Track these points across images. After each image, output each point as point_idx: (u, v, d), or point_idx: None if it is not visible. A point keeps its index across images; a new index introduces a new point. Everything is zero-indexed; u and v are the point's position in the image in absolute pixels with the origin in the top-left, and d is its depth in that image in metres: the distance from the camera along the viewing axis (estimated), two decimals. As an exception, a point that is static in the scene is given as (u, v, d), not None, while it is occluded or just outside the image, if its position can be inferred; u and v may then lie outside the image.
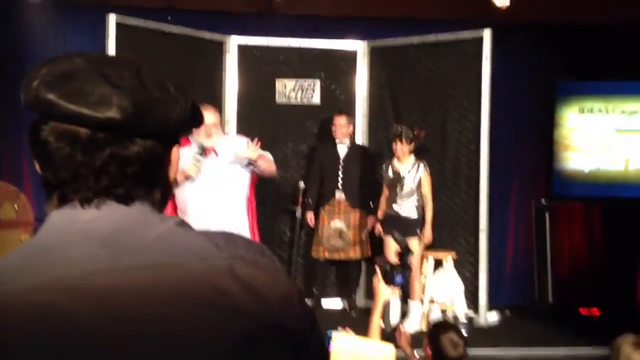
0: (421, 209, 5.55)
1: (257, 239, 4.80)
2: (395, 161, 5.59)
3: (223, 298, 0.81)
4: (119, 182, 0.86)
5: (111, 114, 0.82)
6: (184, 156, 4.28)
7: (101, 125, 0.83)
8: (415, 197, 5.53)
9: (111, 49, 5.30)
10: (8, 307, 0.77)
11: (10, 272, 0.81)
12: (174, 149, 0.93)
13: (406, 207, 5.55)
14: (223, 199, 4.44)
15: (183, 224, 0.88)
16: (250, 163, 4.44)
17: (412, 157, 5.55)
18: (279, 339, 0.84)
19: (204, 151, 4.33)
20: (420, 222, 5.53)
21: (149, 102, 0.86)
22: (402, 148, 5.49)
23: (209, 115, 4.37)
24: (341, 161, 6.03)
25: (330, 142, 6.09)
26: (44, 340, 0.76)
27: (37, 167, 0.89)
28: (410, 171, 5.53)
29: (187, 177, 4.31)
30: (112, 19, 5.34)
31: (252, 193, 4.80)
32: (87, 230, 0.83)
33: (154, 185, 0.90)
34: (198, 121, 0.95)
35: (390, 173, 5.62)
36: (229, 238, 0.88)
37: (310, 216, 6.04)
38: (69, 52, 0.88)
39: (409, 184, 5.52)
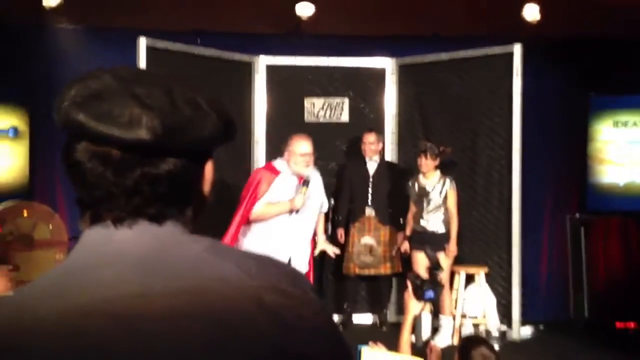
0: (448, 223, 5.53)
1: (311, 268, 4.83)
2: (420, 177, 5.60)
3: (246, 326, 0.80)
4: (151, 202, 0.86)
5: (141, 134, 0.82)
6: (279, 187, 4.43)
7: (131, 146, 0.83)
8: (441, 212, 5.53)
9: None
10: (38, 330, 0.77)
11: (42, 294, 0.81)
12: (208, 165, 0.93)
13: (433, 222, 5.55)
14: (304, 229, 4.57)
15: (215, 246, 0.87)
16: None
17: (437, 173, 5.57)
18: None
19: (308, 183, 4.39)
20: (447, 236, 5.50)
21: (180, 121, 0.85)
22: (426, 163, 5.52)
23: (308, 145, 4.49)
24: (371, 178, 6.02)
25: (359, 159, 6.10)
26: None
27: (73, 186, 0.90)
28: (435, 186, 5.53)
29: (292, 210, 4.38)
30: (142, 42, 5.44)
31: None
32: (119, 253, 0.83)
33: (187, 203, 0.90)
34: (231, 135, 0.93)
35: (416, 189, 5.63)
36: (262, 265, 0.86)
37: (340, 232, 6.03)
38: (99, 69, 0.88)
39: (435, 199, 5.52)
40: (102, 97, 0.84)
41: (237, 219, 4.51)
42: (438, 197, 5.52)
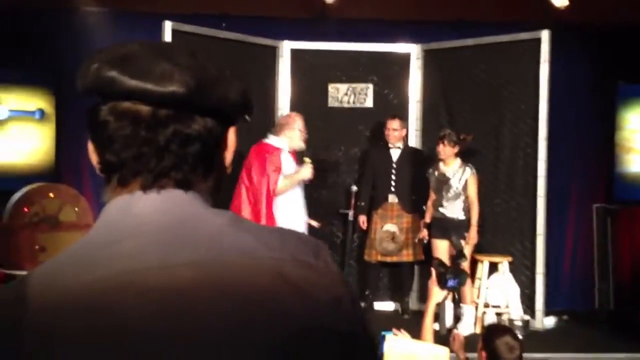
0: (468, 211, 5.50)
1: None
2: (441, 164, 5.58)
3: (268, 298, 0.79)
4: (180, 164, 0.86)
5: (175, 87, 0.83)
6: (287, 160, 4.99)
7: (165, 100, 0.83)
8: (461, 200, 5.50)
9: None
10: (60, 304, 0.77)
11: (64, 269, 0.81)
12: (231, 133, 0.93)
13: (452, 209, 5.53)
14: (302, 202, 5.10)
15: (237, 220, 0.87)
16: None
17: (457, 160, 5.53)
18: (324, 341, 0.81)
19: (308, 156, 5.00)
20: (467, 224, 5.48)
21: (209, 78, 0.86)
22: (444, 150, 5.50)
23: (303, 121, 5.14)
24: (394, 164, 6.00)
25: (383, 145, 6.07)
26: (92, 338, 0.76)
27: (94, 153, 0.88)
28: (455, 174, 5.50)
29: (305, 181, 5.03)
30: (167, 26, 5.45)
31: None
32: (141, 225, 0.83)
33: (211, 169, 0.90)
34: (251, 108, 0.95)
35: (436, 175, 5.60)
36: (283, 237, 0.86)
37: (362, 219, 6.03)
38: (87, 51, 0.90)
39: (454, 187, 5.49)
40: (132, 58, 0.85)
41: (262, 198, 4.87)
42: (458, 185, 5.49)
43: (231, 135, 0.93)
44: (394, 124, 5.94)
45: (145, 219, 0.84)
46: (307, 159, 4.87)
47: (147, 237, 0.82)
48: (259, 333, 0.78)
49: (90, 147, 0.89)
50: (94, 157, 0.89)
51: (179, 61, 0.85)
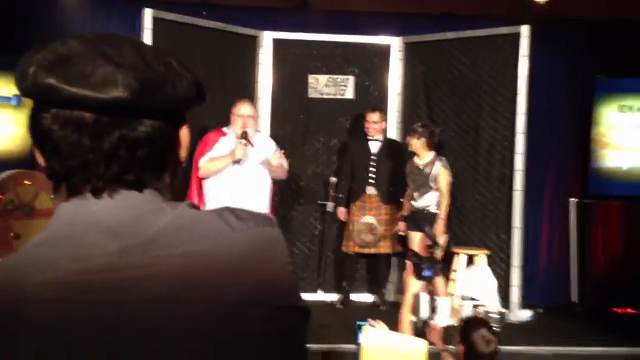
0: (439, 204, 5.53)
1: None
2: (415, 157, 5.60)
3: (235, 279, 0.81)
4: (130, 167, 0.83)
5: (117, 93, 0.79)
6: (224, 144, 4.86)
7: (107, 107, 0.79)
8: (433, 192, 5.51)
9: (147, 43, 5.35)
10: (19, 302, 0.76)
11: (21, 267, 0.79)
12: (184, 130, 0.90)
13: (425, 202, 5.54)
14: (251, 188, 4.82)
15: (192, 206, 0.86)
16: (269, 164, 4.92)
17: (431, 153, 5.53)
18: (288, 317, 0.84)
19: (246, 135, 4.78)
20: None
21: (155, 78, 0.82)
22: (411, 143, 5.52)
23: (246, 108, 4.98)
24: (373, 157, 6.00)
25: (362, 137, 6.07)
26: (52, 333, 0.76)
27: (40, 158, 0.85)
28: (427, 166, 5.51)
29: (235, 161, 4.75)
30: (147, 13, 5.39)
31: (275, 188, 5.19)
32: (98, 222, 0.81)
33: (165, 168, 0.87)
34: (203, 97, 0.91)
35: (410, 168, 5.62)
36: (236, 213, 0.86)
37: (341, 211, 6.03)
38: (63, 37, 0.84)
39: (426, 179, 5.51)
40: (71, 60, 0.80)
41: (192, 184, 4.95)
42: (429, 177, 5.51)
43: (184, 132, 0.90)
44: (374, 117, 5.94)
45: (101, 216, 0.82)
46: (243, 140, 4.75)
47: (105, 233, 0.81)
48: (224, 318, 0.79)
49: (35, 150, 0.86)
50: (40, 161, 0.86)
51: (122, 60, 0.81)
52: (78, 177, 0.83)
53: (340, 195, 6.05)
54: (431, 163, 5.52)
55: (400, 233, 5.80)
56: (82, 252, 0.79)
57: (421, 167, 5.56)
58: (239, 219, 0.85)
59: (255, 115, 5.07)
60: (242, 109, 4.95)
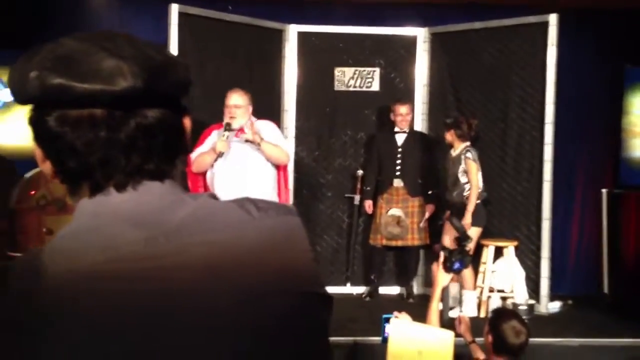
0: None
1: None
2: (451, 149, 5.62)
3: (254, 273, 0.82)
4: (149, 156, 0.84)
5: (127, 83, 0.79)
6: (212, 137, 4.68)
7: (119, 99, 0.80)
8: (463, 184, 5.51)
9: (174, 39, 5.40)
10: (46, 291, 0.78)
11: (47, 258, 0.80)
12: (187, 119, 0.91)
13: (455, 193, 5.55)
14: (250, 178, 4.61)
15: (214, 196, 0.88)
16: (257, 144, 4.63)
17: (462, 145, 5.53)
18: (309, 304, 0.85)
19: (229, 127, 4.55)
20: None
21: (156, 65, 0.83)
22: (446, 136, 5.57)
23: (235, 97, 4.72)
24: (399, 149, 5.99)
25: (388, 129, 6.06)
26: (80, 322, 0.77)
27: (46, 163, 0.85)
28: (457, 158, 5.51)
29: (218, 154, 4.54)
30: (174, 8, 5.43)
31: (282, 176, 4.98)
32: (122, 213, 0.82)
33: (177, 155, 0.89)
34: (191, 82, 0.91)
35: (448, 161, 5.63)
36: (256, 203, 0.88)
37: (368, 204, 6.03)
38: (55, 39, 0.83)
39: (456, 171, 5.51)
40: (74, 58, 0.80)
41: (189, 175, 4.84)
42: (459, 169, 5.49)
43: (187, 121, 0.91)
44: (402, 109, 5.92)
45: (125, 207, 0.83)
46: (225, 133, 4.52)
47: (129, 224, 0.82)
48: (249, 308, 0.80)
49: (39, 155, 0.85)
50: (46, 166, 0.85)
51: (122, 52, 0.81)
52: (100, 174, 0.83)
53: (368, 188, 6.05)
54: (461, 155, 5.50)
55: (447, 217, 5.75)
56: (108, 242, 0.80)
57: (454, 159, 5.55)
58: (259, 208, 0.86)
59: (246, 105, 4.72)
60: (231, 98, 4.72)
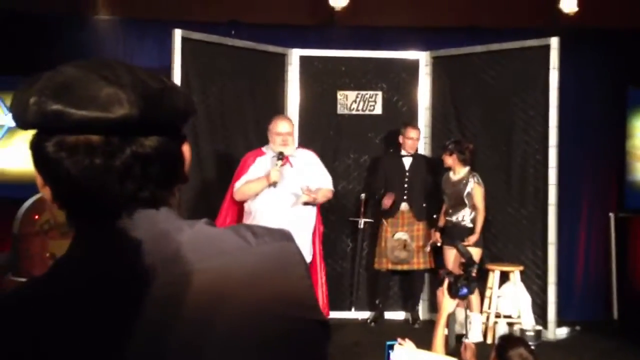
0: (474, 219, 5.52)
1: (317, 257, 4.91)
2: (451, 172, 5.63)
3: (251, 299, 0.82)
4: (144, 184, 0.84)
5: (124, 111, 0.80)
6: (261, 165, 4.59)
7: (115, 126, 0.80)
8: (467, 208, 5.52)
9: (177, 63, 5.42)
10: (40, 317, 0.79)
11: (42, 286, 0.82)
12: (185, 146, 0.91)
13: (459, 217, 5.56)
14: (292, 211, 4.52)
15: (210, 223, 0.88)
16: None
17: (465, 169, 5.57)
18: (306, 330, 0.86)
19: (282, 157, 4.49)
20: (472, 232, 5.48)
21: (154, 93, 0.83)
22: (447, 160, 5.59)
23: (285, 125, 4.65)
24: (407, 172, 5.97)
25: (394, 153, 6.05)
26: (78, 352, 0.77)
27: (46, 188, 0.85)
28: (462, 182, 5.51)
29: (271, 184, 4.46)
30: (177, 34, 5.45)
31: (318, 212, 4.89)
32: (117, 242, 0.82)
33: (174, 183, 0.89)
34: (194, 110, 0.92)
35: (446, 184, 5.63)
36: (252, 229, 0.88)
37: (387, 200, 5.84)
38: (55, 67, 0.84)
39: (460, 194, 5.51)
40: (72, 85, 0.81)
41: (223, 203, 4.75)
42: (463, 194, 5.49)
43: (186, 148, 0.91)
44: (413, 133, 5.92)
45: (121, 238, 0.83)
46: (278, 162, 4.45)
47: (125, 254, 0.82)
48: (248, 333, 0.81)
49: (39, 180, 0.86)
50: (46, 191, 0.86)
51: (119, 80, 0.82)
52: (95, 201, 0.83)
53: (382, 192, 5.91)
54: (465, 179, 5.52)
55: (437, 243, 5.73)
56: (103, 272, 0.80)
57: (455, 183, 5.55)
58: (256, 235, 0.87)
59: (292, 132, 4.73)
60: (280, 125, 4.62)
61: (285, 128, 4.61)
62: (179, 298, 0.80)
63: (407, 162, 5.98)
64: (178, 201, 0.90)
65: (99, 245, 0.83)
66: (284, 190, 4.52)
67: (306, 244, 4.64)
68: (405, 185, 5.96)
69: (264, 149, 4.72)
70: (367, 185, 6.26)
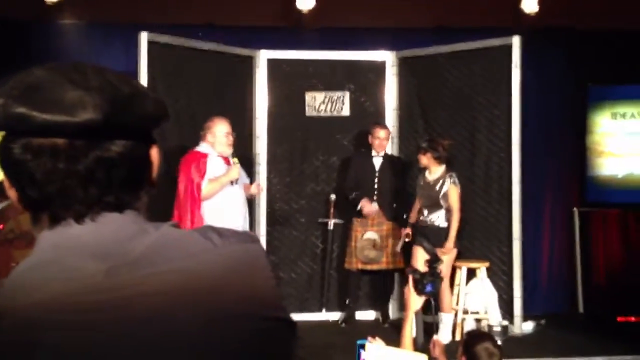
0: (449, 220, 5.51)
1: None
2: (427, 172, 5.60)
3: (217, 299, 0.83)
4: (108, 189, 0.84)
5: (88, 115, 0.80)
6: (212, 167, 4.86)
7: (79, 130, 0.81)
8: (443, 208, 5.51)
9: (143, 67, 5.40)
10: (5, 325, 0.78)
11: (8, 291, 0.81)
12: (154, 150, 0.91)
13: (433, 217, 5.55)
14: (242, 206, 4.99)
15: (175, 225, 0.89)
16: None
17: (441, 168, 5.53)
18: (274, 330, 0.86)
19: (235, 154, 4.91)
20: (447, 232, 5.49)
21: (122, 98, 0.83)
22: (422, 159, 5.53)
23: (227, 125, 5.01)
24: (377, 173, 6.02)
25: (364, 153, 6.09)
26: (39, 355, 0.77)
27: (12, 191, 0.86)
28: (438, 182, 5.52)
29: (232, 181, 4.86)
30: (143, 37, 5.43)
31: None
32: (81, 245, 0.83)
33: (141, 188, 0.89)
34: (167, 115, 0.92)
35: (421, 183, 5.63)
36: (219, 231, 0.89)
37: (364, 202, 5.92)
38: (28, 68, 0.85)
39: (436, 195, 5.51)
40: (39, 87, 0.81)
41: (187, 205, 4.89)
42: (439, 193, 5.51)
43: (154, 152, 0.91)
44: (381, 133, 5.96)
45: (85, 240, 0.83)
46: (234, 160, 4.83)
47: (89, 256, 0.82)
48: (212, 335, 0.81)
49: (7, 183, 0.86)
50: (12, 193, 0.87)
51: (88, 84, 0.82)
52: (58, 204, 0.83)
53: (354, 195, 5.96)
54: (441, 179, 5.50)
55: (407, 239, 5.77)
56: (68, 275, 0.80)
57: (431, 183, 5.55)
58: (222, 236, 0.87)
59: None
60: (227, 126, 5.00)
61: (229, 128, 5.00)
62: (143, 300, 0.80)
63: (377, 162, 6.03)
64: (145, 204, 0.90)
65: (63, 249, 0.82)
66: (239, 186, 4.96)
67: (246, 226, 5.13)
68: (376, 186, 6.01)
69: (202, 150, 4.97)
70: (338, 185, 6.29)
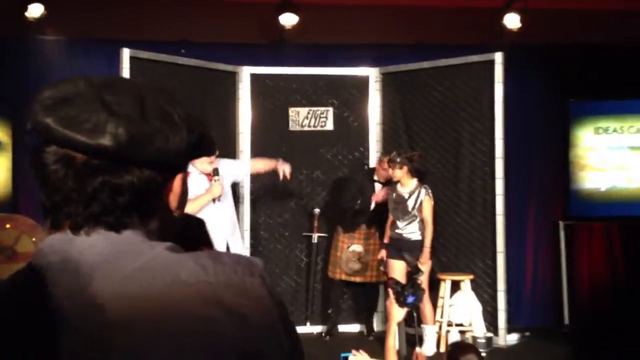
0: (423, 232, 5.53)
1: None
2: (398, 185, 5.62)
3: (206, 327, 0.79)
4: (110, 211, 0.84)
5: (103, 141, 0.81)
6: (193, 186, 4.65)
7: (94, 152, 0.82)
8: (417, 220, 5.54)
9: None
10: None
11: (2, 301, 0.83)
12: (177, 179, 0.90)
13: (408, 230, 5.57)
14: (229, 214, 4.89)
15: (173, 249, 0.85)
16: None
17: (414, 181, 5.57)
18: None
19: (217, 172, 4.74)
20: (422, 245, 5.50)
21: (146, 132, 0.83)
22: (392, 173, 5.54)
23: None
24: (366, 188, 6.05)
25: (369, 172, 6.14)
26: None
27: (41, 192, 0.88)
28: (411, 195, 5.54)
29: (214, 199, 4.73)
30: (125, 53, 5.44)
31: None
32: (72, 259, 0.82)
33: (150, 214, 0.88)
34: (207, 150, 0.91)
35: (393, 197, 5.64)
36: (217, 258, 0.84)
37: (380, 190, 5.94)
38: (77, 76, 0.88)
39: (410, 208, 5.53)
40: (72, 102, 0.83)
41: None
42: (413, 206, 5.54)
43: (177, 181, 0.90)
44: (390, 171, 5.83)
45: (77, 255, 0.83)
46: (216, 177, 4.70)
47: (80, 270, 0.81)
48: None
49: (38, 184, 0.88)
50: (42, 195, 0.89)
51: (118, 109, 0.83)
52: (60, 212, 0.85)
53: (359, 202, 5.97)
54: (414, 192, 5.54)
55: (381, 258, 5.77)
56: (56, 291, 0.81)
57: (405, 196, 5.58)
58: (218, 263, 0.83)
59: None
60: None
61: None
62: (115, 324, 0.78)
63: (378, 187, 6.03)
64: (155, 230, 0.88)
65: (52, 256, 0.83)
66: (224, 201, 4.81)
67: (238, 243, 4.99)
68: (372, 208, 5.99)
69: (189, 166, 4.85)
70: (322, 199, 6.27)
